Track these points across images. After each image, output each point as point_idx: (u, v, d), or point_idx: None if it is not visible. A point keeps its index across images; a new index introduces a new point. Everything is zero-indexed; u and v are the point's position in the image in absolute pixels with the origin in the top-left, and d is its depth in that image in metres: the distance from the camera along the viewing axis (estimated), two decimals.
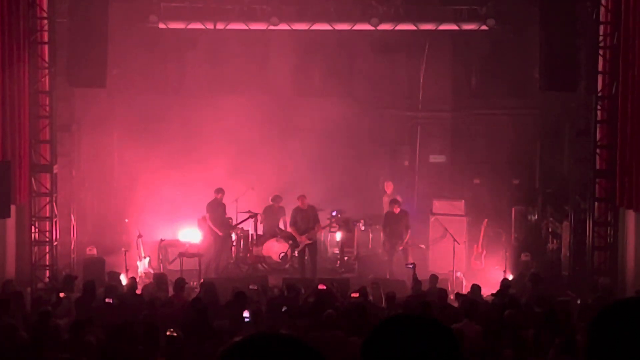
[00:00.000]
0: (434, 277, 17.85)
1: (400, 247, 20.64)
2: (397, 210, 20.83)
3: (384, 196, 22.81)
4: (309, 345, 2.32)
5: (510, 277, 19.16)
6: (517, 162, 23.94)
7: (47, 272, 19.47)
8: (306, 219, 20.95)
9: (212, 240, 21.13)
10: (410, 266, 19.28)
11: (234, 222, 21.73)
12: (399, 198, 21.42)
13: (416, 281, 17.65)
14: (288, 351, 2.30)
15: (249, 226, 22.12)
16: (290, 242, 21.14)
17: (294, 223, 20.99)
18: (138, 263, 20.66)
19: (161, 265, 20.89)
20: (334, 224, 22.12)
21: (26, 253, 19.03)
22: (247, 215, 21.73)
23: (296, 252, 21.03)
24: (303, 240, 20.78)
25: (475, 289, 16.46)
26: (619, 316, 2.42)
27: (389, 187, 22.91)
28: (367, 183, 23.54)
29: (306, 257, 20.86)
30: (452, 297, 17.83)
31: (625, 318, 2.40)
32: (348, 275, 20.84)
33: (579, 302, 16.20)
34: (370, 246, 22.63)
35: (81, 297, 15.76)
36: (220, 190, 21.27)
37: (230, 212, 21.87)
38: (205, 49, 23.98)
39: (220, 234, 21.09)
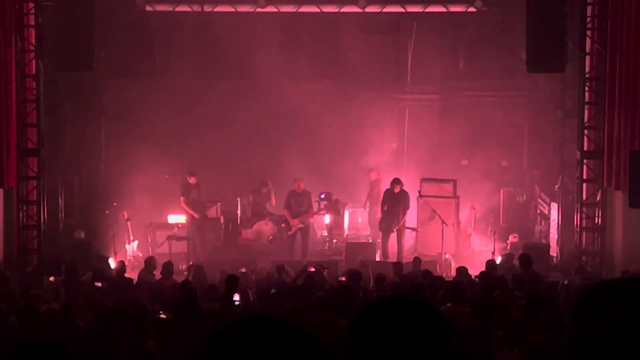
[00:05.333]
0: (417, 260, 17.86)
1: (396, 228, 20.56)
2: (397, 189, 20.67)
3: (372, 184, 22.66)
4: (299, 326, 2.33)
5: (499, 259, 19.21)
6: (505, 143, 23.95)
7: (35, 256, 19.41)
8: (300, 203, 20.93)
9: (190, 223, 21.13)
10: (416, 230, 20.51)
11: (211, 205, 21.76)
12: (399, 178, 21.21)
13: (396, 264, 17.62)
14: (279, 333, 2.30)
15: (237, 209, 22.14)
16: (283, 225, 21.14)
17: (287, 206, 20.96)
18: (126, 246, 20.66)
19: (149, 248, 20.87)
20: (323, 207, 22.12)
21: (14, 237, 18.99)
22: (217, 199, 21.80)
23: (287, 235, 21.04)
24: (296, 223, 20.76)
25: (461, 270, 16.47)
26: (604, 296, 2.43)
27: (373, 175, 22.71)
28: (356, 166, 23.49)
29: (297, 240, 20.84)
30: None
31: (610, 298, 2.41)
32: (336, 258, 20.84)
33: (566, 282, 16.25)
34: (359, 229, 22.64)
35: (65, 280, 15.74)
36: (191, 173, 21.26)
37: (218, 195, 21.89)
38: (192, 31, 23.90)
39: (196, 216, 21.09)
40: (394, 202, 20.59)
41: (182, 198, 21.05)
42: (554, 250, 20.46)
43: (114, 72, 23.33)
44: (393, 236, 20.63)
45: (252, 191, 22.21)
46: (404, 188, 20.80)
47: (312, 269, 16.67)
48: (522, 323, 11.38)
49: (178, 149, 22.84)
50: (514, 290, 14.40)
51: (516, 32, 21.31)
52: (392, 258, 19.90)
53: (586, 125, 19.27)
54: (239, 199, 22.20)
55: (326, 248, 22.00)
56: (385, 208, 20.66)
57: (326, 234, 22.29)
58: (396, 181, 20.75)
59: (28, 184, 19.40)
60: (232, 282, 14.12)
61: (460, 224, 21.54)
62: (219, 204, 21.89)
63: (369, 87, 24.52)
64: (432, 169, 23.10)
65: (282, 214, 21.31)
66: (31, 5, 18.98)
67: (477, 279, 15.77)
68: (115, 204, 22.20)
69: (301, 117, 23.20)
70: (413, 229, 21.07)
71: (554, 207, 21.14)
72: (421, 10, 22.23)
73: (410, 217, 21.13)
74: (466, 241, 21.51)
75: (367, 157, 23.50)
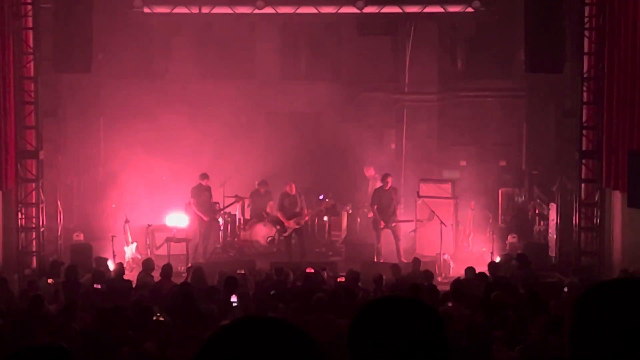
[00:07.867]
0: (417, 261, 17.86)
1: (393, 224, 20.51)
2: (388, 185, 20.66)
3: (369, 181, 22.63)
4: (297, 327, 2.33)
5: (498, 259, 19.21)
6: (503, 143, 23.99)
7: (34, 258, 19.40)
8: (294, 204, 20.92)
9: (197, 225, 21.08)
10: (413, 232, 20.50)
11: (221, 207, 21.72)
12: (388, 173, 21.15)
13: (395, 266, 17.60)
14: (277, 334, 2.30)
15: (236, 210, 22.11)
16: (278, 227, 21.13)
17: (281, 208, 20.96)
18: (125, 248, 20.62)
19: (148, 250, 20.85)
20: (323, 209, 22.10)
21: (13, 239, 18.98)
22: (233, 199, 21.73)
23: (282, 237, 21.04)
24: (290, 225, 20.75)
25: (470, 270, 16.33)
26: (603, 297, 2.43)
27: (368, 171, 22.63)
28: (354, 166, 23.49)
29: (293, 242, 20.84)
30: (439, 279, 17.94)
31: (610, 299, 2.41)
32: (335, 258, 20.83)
33: (565, 283, 16.25)
34: (358, 230, 22.63)
35: (64, 283, 15.73)
36: (204, 176, 21.17)
37: (217, 197, 21.84)
38: (191, 33, 23.90)
39: (205, 218, 21.02)
40: (388, 198, 20.52)
41: (193, 200, 20.94)
42: (552, 251, 20.46)
43: (113, 73, 23.34)
44: (387, 236, 20.51)
45: (251, 192, 22.19)
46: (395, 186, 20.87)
47: (311, 270, 16.66)
48: (522, 323, 11.39)
49: (177, 151, 22.81)
50: (512, 290, 14.39)
51: (514, 32, 21.32)
52: (388, 257, 19.88)
53: (585, 125, 19.27)
54: (244, 200, 22.13)
55: (325, 249, 21.98)
56: (375, 207, 20.56)
57: (325, 235, 22.29)
58: (388, 175, 20.72)
59: (27, 186, 19.39)
60: (231, 284, 14.12)
61: (459, 224, 21.52)
62: (218, 204, 21.82)
63: (367, 88, 24.54)
64: (431, 170, 23.10)
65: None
66: (29, 7, 18.99)
67: (477, 279, 15.78)
68: (114, 206, 22.19)
69: (299, 118, 23.20)
70: (409, 221, 20.95)
71: (553, 207, 21.13)
72: (419, 10, 22.21)
73: (409, 217, 21.12)
74: (465, 242, 21.50)
75: (365, 157, 23.49)
